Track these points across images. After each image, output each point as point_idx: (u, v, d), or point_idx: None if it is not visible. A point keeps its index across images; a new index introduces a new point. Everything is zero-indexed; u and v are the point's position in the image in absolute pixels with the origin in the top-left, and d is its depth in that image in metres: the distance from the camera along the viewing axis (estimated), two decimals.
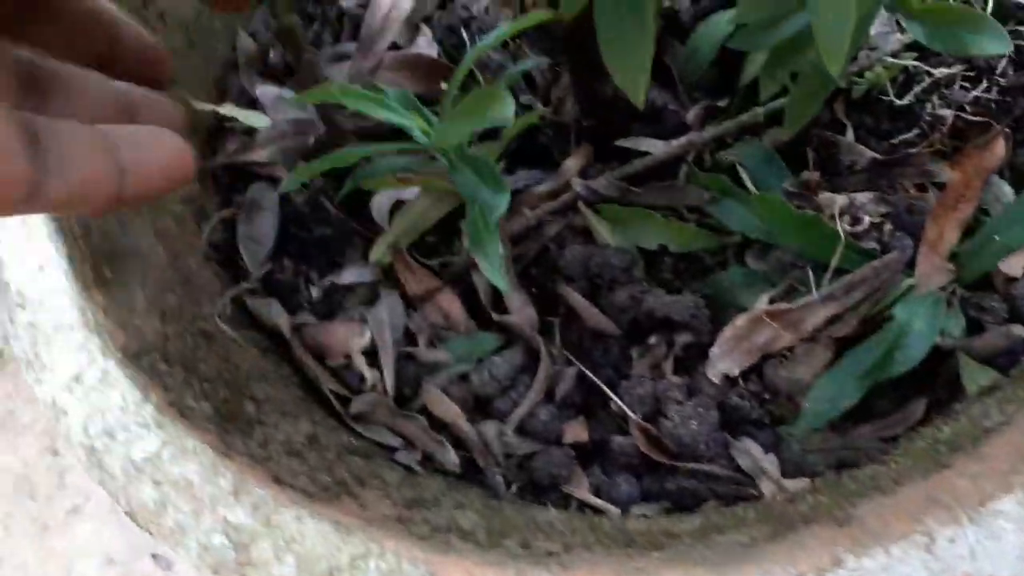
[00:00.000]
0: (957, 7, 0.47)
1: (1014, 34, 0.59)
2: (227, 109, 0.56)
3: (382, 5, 0.68)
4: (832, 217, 0.50)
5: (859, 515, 0.38)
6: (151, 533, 0.39)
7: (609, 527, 0.46)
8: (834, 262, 0.49)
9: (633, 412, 0.53)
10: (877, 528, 0.36)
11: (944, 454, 0.42)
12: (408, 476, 0.50)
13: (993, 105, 0.57)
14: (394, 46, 0.68)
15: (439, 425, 0.54)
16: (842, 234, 0.48)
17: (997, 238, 0.47)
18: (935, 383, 0.51)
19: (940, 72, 0.58)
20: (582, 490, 0.53)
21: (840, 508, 0.40)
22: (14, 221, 0.47)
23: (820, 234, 0.49)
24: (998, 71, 0.58)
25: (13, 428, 0.97)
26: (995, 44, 0.45)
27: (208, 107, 0.53)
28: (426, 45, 0.68)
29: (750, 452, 0.51)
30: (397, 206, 0.60)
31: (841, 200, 0.51)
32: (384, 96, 0.53)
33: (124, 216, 0.51)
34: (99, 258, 0.47)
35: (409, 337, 0.57)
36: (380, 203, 0.59)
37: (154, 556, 0.88)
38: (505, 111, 0.41)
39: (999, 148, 0.49)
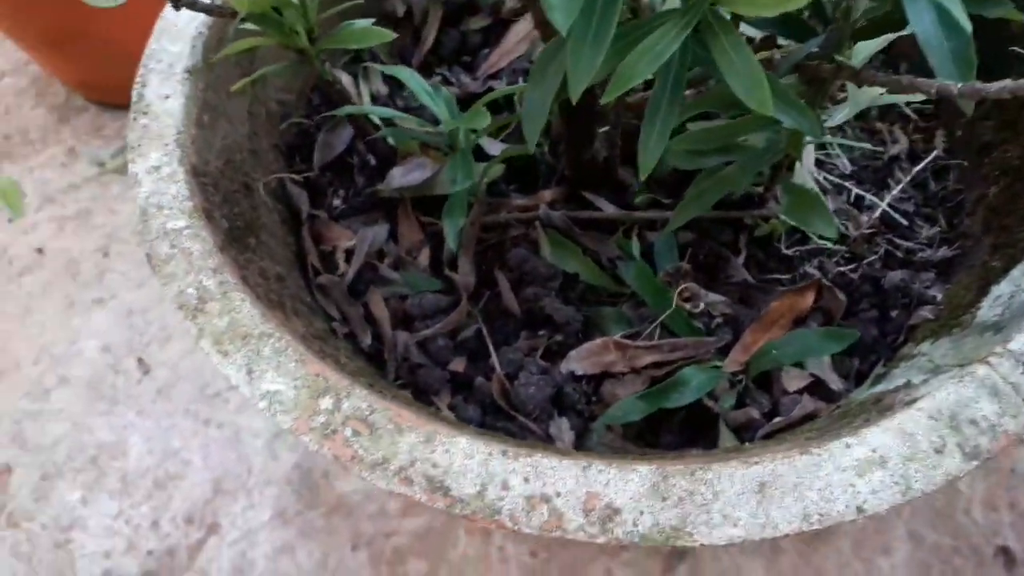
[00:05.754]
0: (816, 196, 0.66)
1: (890, 242, 0.78)
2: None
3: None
4: (678, 294, 0.69)
5: None
6: (154, 272, 0.59)
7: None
8: (660, 319, 0.68)
9: (500, 366, 0.72)
10: None
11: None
12: (329, 333, 0.70)
13: (850, 284, 0.75)
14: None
15: (371, 319, 0.75)
16: (674, 303, 0.67)
17: (774, 352, 0.65)
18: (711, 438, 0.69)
19: (824, 243, 0.77)
20: (442, 402, 0.72)
21: None
22: (163, 64, 0.70)
23: (663, 299, 0.69)
24: (866, 260, 0.76)
25: (86, 224, 1.21)
26: (826, 228, 0.64)
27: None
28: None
29: (560, 426, 0.70)
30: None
31: (693, 287, 0.70)
32: (436, 91, 0.75)
33: (229, 93, 0.74)
34: (204, 107, 0.70)
35: (381, 257, 0.78)
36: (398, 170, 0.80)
37: (139, 359, 1.09)
38: (481, 122, 0.62)
39: (809, 297, 0.68)
